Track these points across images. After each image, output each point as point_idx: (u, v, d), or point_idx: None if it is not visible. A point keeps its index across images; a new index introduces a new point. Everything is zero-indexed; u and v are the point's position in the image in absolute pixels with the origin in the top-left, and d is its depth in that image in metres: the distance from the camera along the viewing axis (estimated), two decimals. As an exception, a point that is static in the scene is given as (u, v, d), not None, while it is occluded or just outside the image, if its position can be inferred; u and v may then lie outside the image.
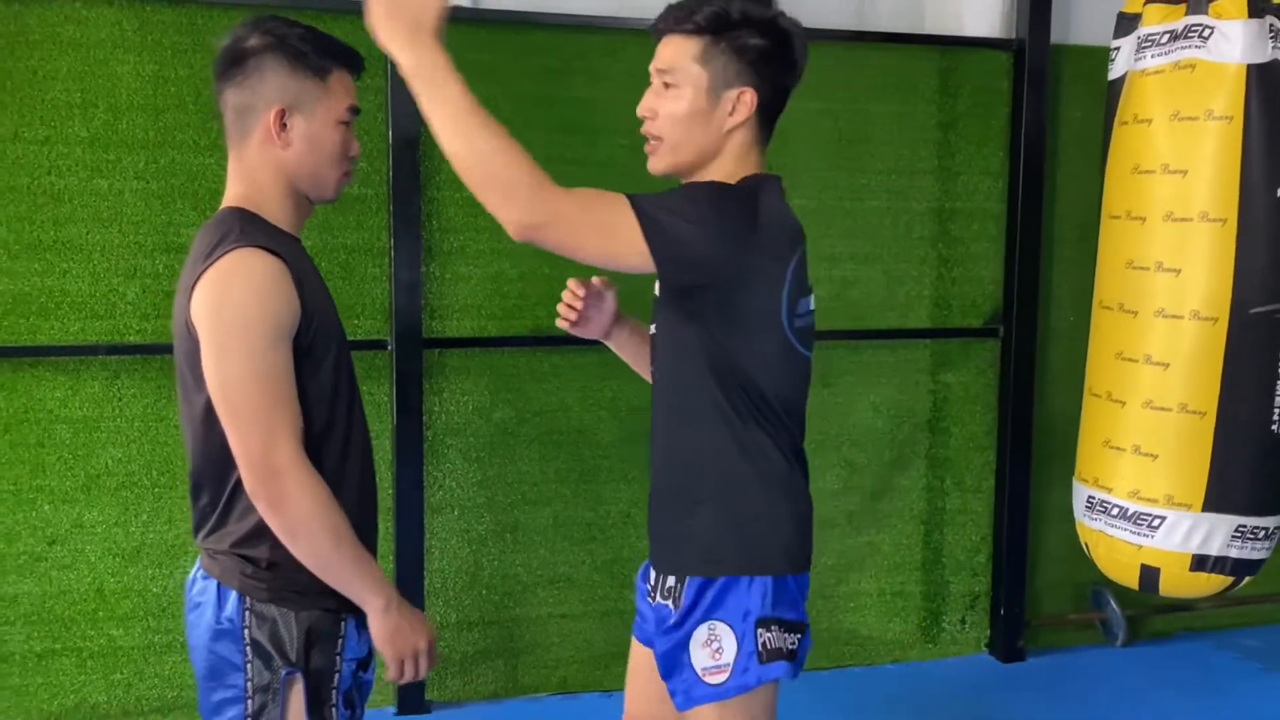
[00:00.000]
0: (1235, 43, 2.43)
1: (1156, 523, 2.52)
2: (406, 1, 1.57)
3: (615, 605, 3.41)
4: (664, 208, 1.64)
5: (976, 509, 3.69)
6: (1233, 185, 2.44)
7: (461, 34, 3.09)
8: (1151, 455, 2.53)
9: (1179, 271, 2.49)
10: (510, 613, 3.33)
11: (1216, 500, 2.47)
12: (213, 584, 1.68)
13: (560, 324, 2.08)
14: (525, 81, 3.22)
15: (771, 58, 1.75)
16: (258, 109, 1.68)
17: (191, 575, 1.77)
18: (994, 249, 3.62)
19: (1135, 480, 2.56)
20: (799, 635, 1.76)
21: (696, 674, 1.73)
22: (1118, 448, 2.60)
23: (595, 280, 2.03)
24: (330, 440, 1.68)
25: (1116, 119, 2.69)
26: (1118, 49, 2.74)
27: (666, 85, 1.75)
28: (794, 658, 1.74)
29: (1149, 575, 2.57)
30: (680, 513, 1.80)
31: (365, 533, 1.72)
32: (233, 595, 1.65)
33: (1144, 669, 3.65)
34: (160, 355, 2.97)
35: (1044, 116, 3.52)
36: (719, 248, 1.66)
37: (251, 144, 1.70)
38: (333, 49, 1.72)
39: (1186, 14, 2.51)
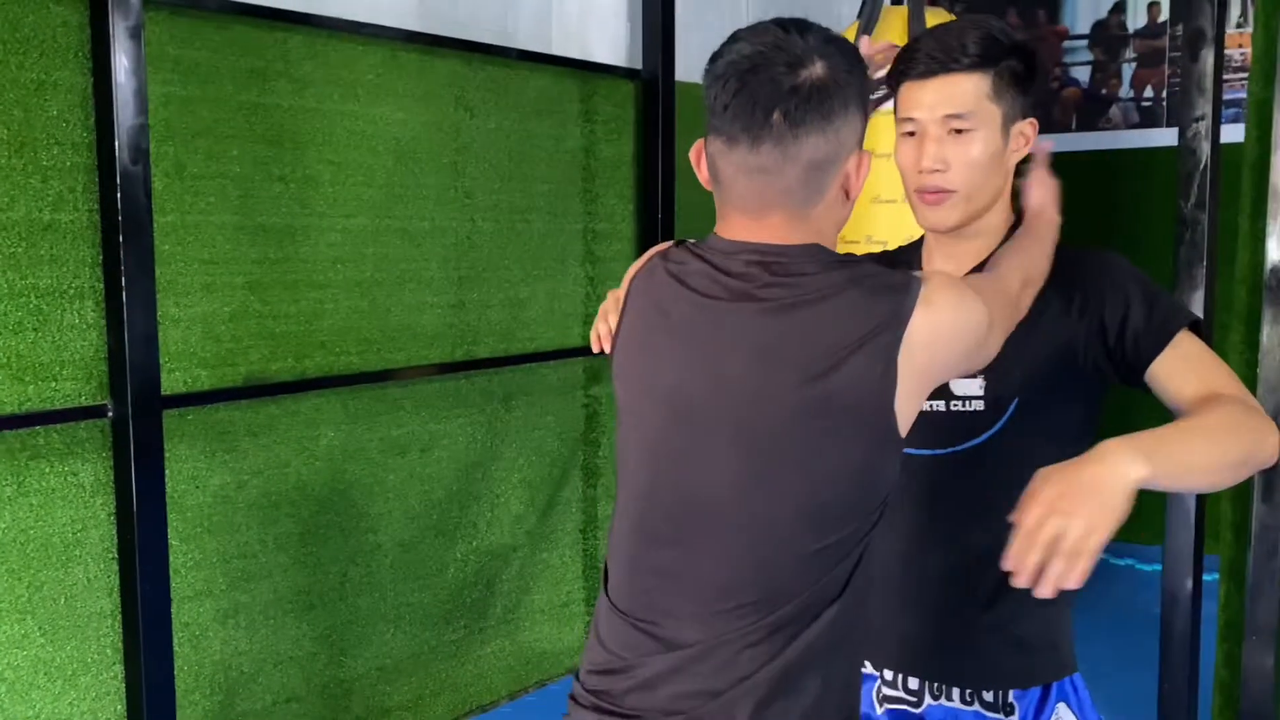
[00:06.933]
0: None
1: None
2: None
3: (335, 676, 3.06)
4: (1180, 309, 1.53)
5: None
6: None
7: (160, 24, 2.59)
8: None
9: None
10: (236, 709, 2.83)
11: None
12: None
13: (599, 346, 1.64)
14: (226, 84, 2.73)
15: (1030, 81, 1.58)
16: (838, 161, 1.30)
17: None
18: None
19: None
20: None
21: None
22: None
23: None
24: None
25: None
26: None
27: (957, 131, 1.53)
28: None
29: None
30: (1024, 615, 1.59)
31: None
32: None
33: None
34: None
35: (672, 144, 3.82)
36: None
37: (821, 203, 1.31)
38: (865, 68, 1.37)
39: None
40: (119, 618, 2.55)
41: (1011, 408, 1.58)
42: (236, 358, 2.77)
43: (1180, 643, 2.98)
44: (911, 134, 1.57)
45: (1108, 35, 5.12)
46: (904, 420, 1.28)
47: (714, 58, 1.31)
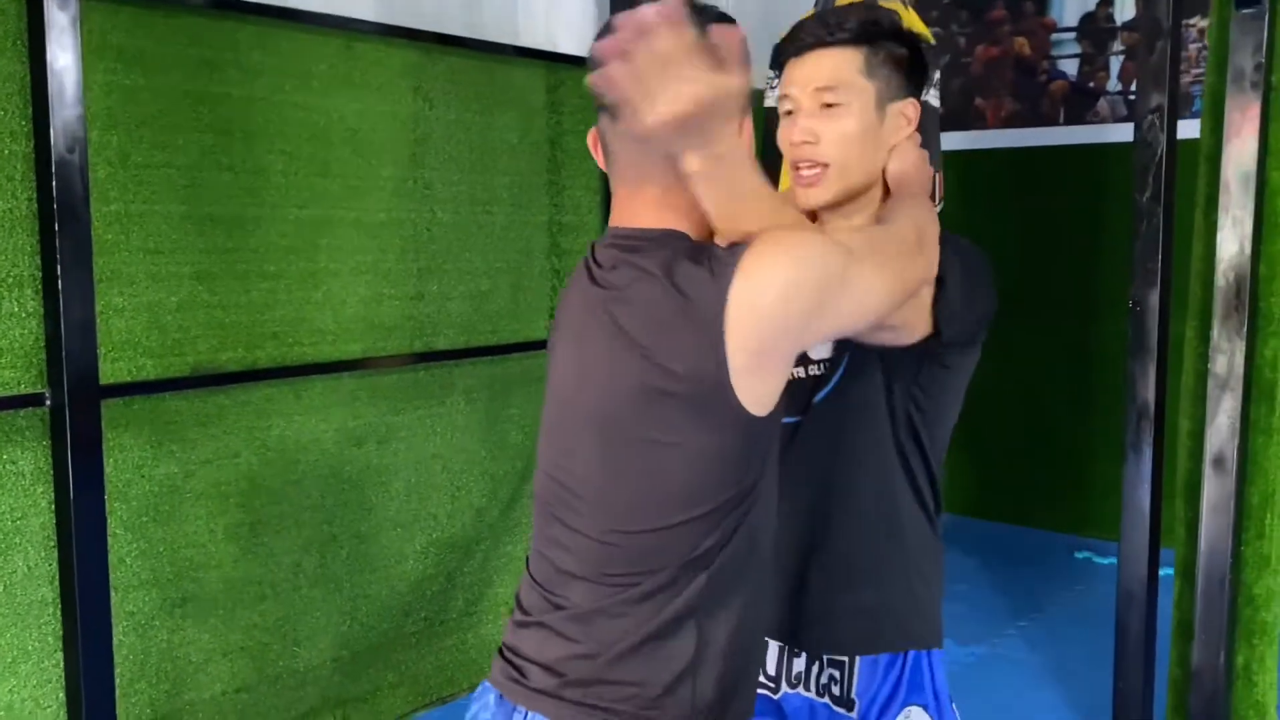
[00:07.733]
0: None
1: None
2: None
3: (289, 667, 3.06)
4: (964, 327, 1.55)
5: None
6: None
7: (102, 13, 2.58)
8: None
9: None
10: (183, 698, 2.84)
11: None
12: None
13: None
14: (172, 73, 2.72)
15: (916, 70, 1.59)
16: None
17: None
18: (595, 259, 3.82)
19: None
20: None
21: None
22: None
23: None
24: None
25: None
26: (777, 77, 3.10)
27: (828, 105, 1.54)
28: None
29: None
30: (861, 580, 1.62)
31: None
32: None
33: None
34: None
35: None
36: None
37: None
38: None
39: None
40: (60, 606, 2.56)
41: (843, 364, 1.60)
42: (184, 347, 2.77)
43: (1135, 641, 2.95)
44: (790, 113, 1.58)
45: (1096, 28, 5.06)
46: (755, 398, 1.27)
47: (598, 37, 1.32)
